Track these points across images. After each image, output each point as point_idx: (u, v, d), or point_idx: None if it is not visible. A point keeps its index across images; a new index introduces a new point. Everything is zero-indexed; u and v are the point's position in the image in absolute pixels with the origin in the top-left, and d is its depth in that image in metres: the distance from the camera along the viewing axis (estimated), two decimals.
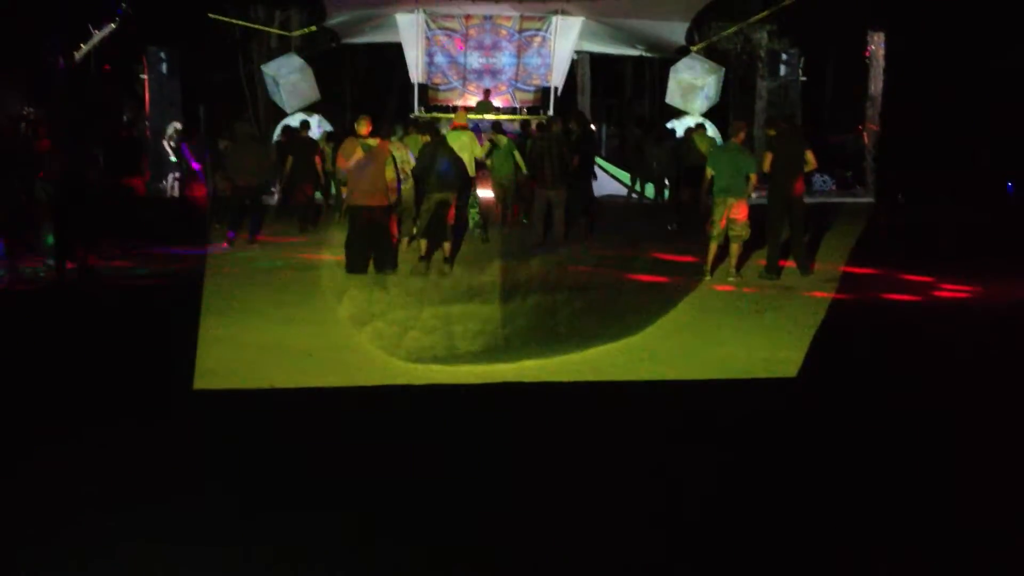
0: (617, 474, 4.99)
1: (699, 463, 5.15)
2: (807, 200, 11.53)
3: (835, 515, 4.49)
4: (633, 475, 4.98)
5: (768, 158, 10.65)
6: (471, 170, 12.86)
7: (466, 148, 12.77)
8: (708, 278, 10.60)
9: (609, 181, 20.63)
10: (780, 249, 10.84)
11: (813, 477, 4.96)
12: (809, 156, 10.70)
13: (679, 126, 21.44)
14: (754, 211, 10.79)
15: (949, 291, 10.24)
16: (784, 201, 10.67)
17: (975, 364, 7.37)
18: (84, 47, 21.78)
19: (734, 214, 10.51)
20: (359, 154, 10.66)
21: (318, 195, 15.96)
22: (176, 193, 18.86)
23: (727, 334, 8.18)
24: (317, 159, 14.87)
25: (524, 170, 13.98)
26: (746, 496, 4.71)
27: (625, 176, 20.46)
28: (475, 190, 13.35)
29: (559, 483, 4.84)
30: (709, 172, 10.64)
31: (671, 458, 5.23)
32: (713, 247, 10.71)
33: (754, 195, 11.03)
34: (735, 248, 10.68)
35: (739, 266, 10.78)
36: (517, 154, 14.14)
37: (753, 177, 10.56)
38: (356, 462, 5.09)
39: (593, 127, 19.85)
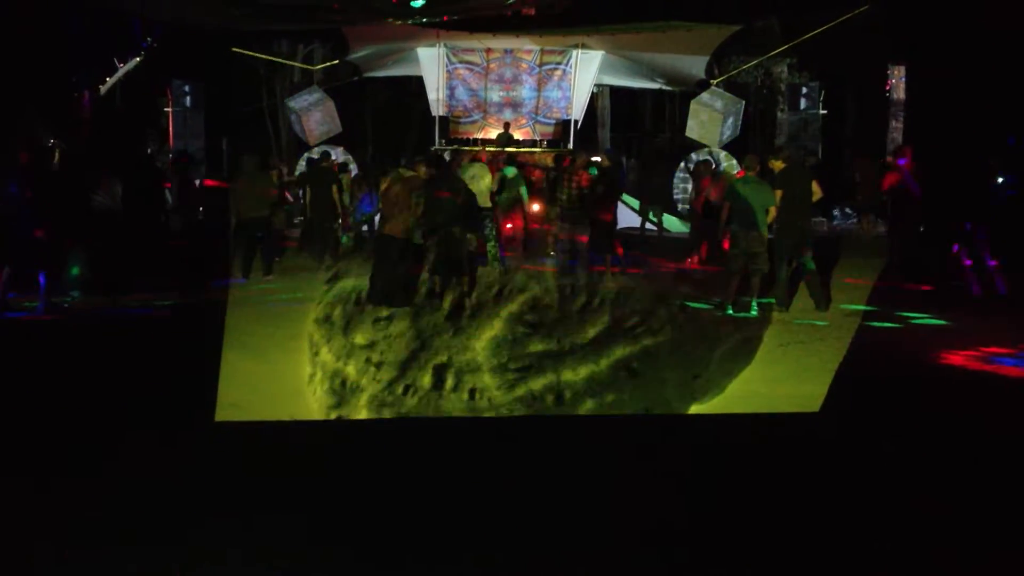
0: (636, 503, 4.96)
1: (720, 497, 5.11)
2: (828, 234, 11.48)
3: (849, 552, 4.45)
4: (649, 506, 4.95)
5: (778, 195, 10.60)
6: (484, 200, 12.90)
7: (478, 179, 12.83)
8: (731, 312, 10.56)
9: (628, 213, 20.65)
10: (791, 282, 10.84)
11: (833, 512, 4.92)
12: (815, 187, 10.79)
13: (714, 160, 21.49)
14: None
15: (970, 324, 10.16)
16: (794, 235, 10.66)
17: (1002, 398, 7.31)
18: (110, 80, 22.06)
19: (754, 248, 10.54)
20: (387, 184, 10.78)
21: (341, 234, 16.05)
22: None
23: (750, 368, 8.14)
24: (334, 189, 14.90)
25: (525, 200, 14.08)
26: (766, 531, 4.67)
27: (636, 204, 20.48)
28: (495, 222, 13.39)
29: (583, 504, 4.83)
30: (728, 205, 10.66)
31: (690, 490, 5.19)
32: (734, 280, 10.71)
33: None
34: (756, 282, 10.64)
35: (758, 298, 10.75)
36: (524, 187, 14.20)
37: (772, 210, 10.56)
38: (385, 496, 5.08)
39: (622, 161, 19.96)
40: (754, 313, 10.48)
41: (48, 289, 10.43)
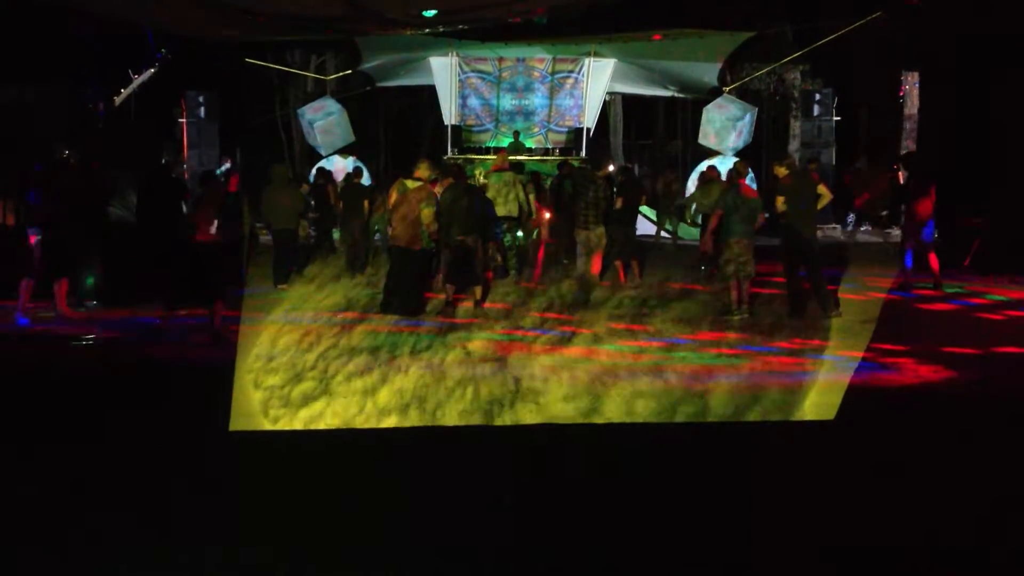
0: (648, 511, 4.95)
1: (737, 505, 5.09)
2: (842, 239, 11.50)
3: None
4: (668, 513, 4.93)
5: (780, 201, 10.69)
6: (513, 210, 12.93)
7: (509, 189, 12.84)
8: (743, 316, 10.61)
9: (642, 221, 20.61)
10: (803, 289, 10.81)
11: (848, 520, 4.90)
12: (822, 189, 10.88)
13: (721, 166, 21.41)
14: (769, 250, 10.89)
15: (986, 332, 10.11)
16: (799, 241, 10.70)
17: (1007, 405, 7.26)
18: (124, 91, 22.20)
19: (742, 254, 10.67)
20: (396, 195, 10.80)
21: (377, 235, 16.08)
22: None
23: (764, 375, 8.10)
24: (365, 204, 15.00)
25: (529, 209, 14.08)
26: (780, 539, 4.66)
27: (654, 214, 20.47)
28: (515, 231, 13.41)
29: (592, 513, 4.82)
30: (719, 212, 10.82)
31: (708, 498, 5.18)
32: (734, 284, 10.82)
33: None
34: (746, 286, 10.86)
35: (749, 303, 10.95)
36: (523, 193, 14.22)
37: (760, 216, 10.80)
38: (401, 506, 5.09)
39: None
40: (745, 315, 10.67)
41: (62, 298, 10.51)
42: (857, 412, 6.94)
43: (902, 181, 19.79)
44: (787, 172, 10.92)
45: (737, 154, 22.69)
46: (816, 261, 10.79)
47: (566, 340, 9.46)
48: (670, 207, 19.24)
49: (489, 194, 12.66)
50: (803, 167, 13.43)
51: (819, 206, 10.87)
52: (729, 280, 10.84)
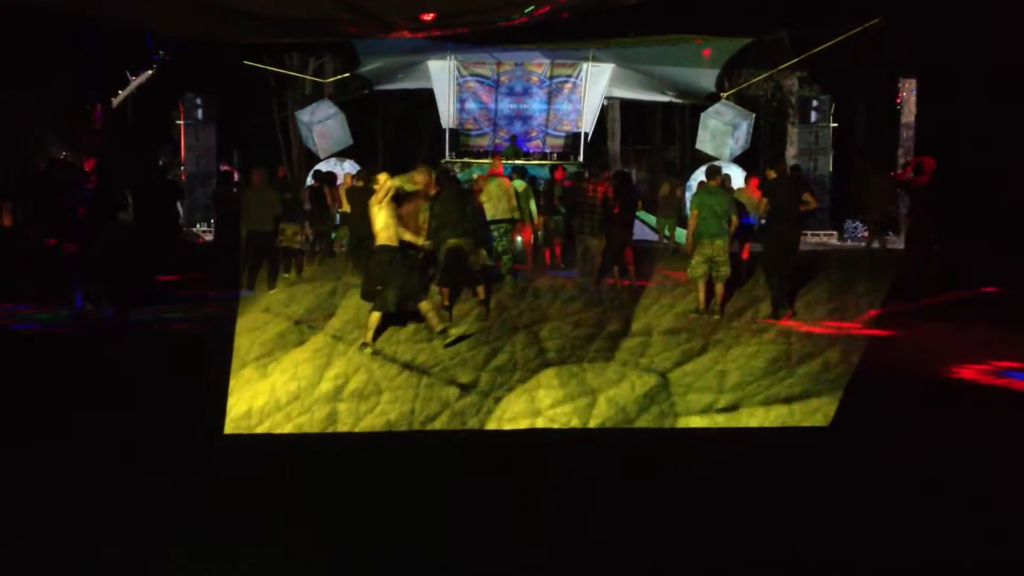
0: (642, 519, 4.94)
1: (730, 514, 5.09)
2: (840, 246, 11.54)
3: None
4: (660, 519, 4.93)
5: (763, 204, 10.93)
6: (505, 214, 12.90)
7: (501, 193, 12.82)
8: (712, 317, 10.73)
9: (640, 227, 20.63)
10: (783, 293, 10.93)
11: (841, 527, 4.89)
12: (807, 196, 11.05)
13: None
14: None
15: (981, 340, 10.11)
16: (782, 245, 10.87)
17: (1007, 412, 7.26)
18: (122, 93, 22.20)
19: (717, 255, 10.80)
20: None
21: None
22: (211, 237, 19.10)
23: (756, 381, 8.09)
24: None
25: (534, 217, 14.10)
26: (774, 547, 4.65)
27: (653, 220, 20.50)
28: (513, 236, 13.40)
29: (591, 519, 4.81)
30: (693, 214, 11.00)
31: (701, 507, 5.17)
32: (701, 286, 10.97)
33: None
34: (719, 288, 10.97)
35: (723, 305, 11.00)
36: (532, 202, 14.19)
37: (734, 219, 10.98)
38: (395, 511, 5.08)
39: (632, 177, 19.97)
40: (716, 318, 10.75)
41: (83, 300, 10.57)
42: (850, 418, 6.94)
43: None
44: (775, 176, 11.14)
45: (735, 160, 22.75)
46: (787, 263, 10.95)
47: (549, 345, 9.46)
48: (664, 211, 19.29)
49: (482, 197, 12.64)
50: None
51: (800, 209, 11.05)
52: (697, 280, 10.95)
